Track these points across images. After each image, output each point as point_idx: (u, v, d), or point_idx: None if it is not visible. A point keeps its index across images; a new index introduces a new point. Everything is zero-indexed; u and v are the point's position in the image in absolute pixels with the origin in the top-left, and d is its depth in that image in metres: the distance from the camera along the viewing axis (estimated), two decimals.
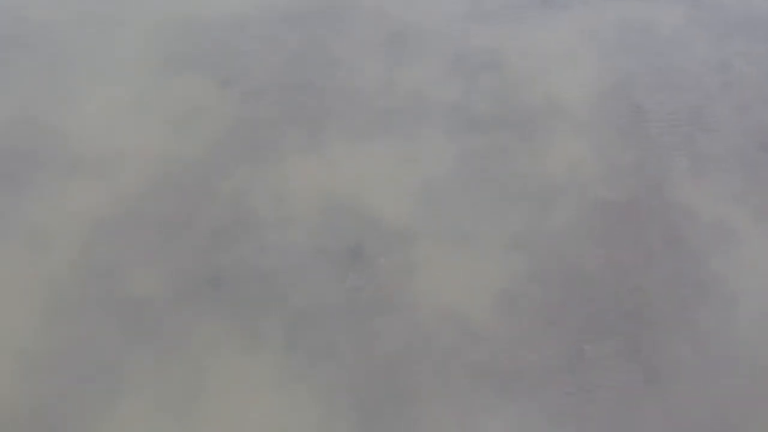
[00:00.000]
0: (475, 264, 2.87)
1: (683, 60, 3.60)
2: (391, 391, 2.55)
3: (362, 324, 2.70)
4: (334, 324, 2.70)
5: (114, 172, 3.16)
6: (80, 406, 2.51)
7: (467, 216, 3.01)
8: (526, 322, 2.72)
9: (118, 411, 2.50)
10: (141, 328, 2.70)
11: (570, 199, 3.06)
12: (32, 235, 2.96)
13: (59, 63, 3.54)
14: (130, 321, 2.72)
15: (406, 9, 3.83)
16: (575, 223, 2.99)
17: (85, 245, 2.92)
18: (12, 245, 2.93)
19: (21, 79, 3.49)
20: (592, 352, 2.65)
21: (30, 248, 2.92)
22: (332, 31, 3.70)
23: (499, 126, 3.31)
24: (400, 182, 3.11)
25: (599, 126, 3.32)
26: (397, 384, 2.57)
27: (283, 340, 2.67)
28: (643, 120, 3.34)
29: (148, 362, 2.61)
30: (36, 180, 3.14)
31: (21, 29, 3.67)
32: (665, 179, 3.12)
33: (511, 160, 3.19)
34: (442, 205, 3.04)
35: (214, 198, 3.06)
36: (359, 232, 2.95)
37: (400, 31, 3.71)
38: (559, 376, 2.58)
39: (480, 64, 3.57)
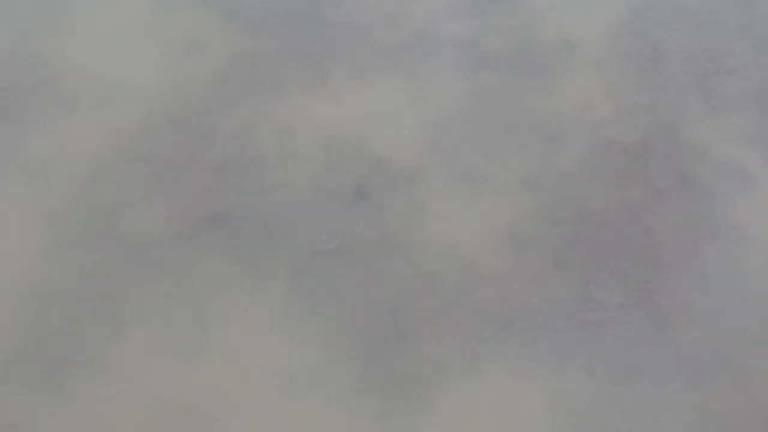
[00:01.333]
0: (482, 204, 2.82)
1: None
2: (395, 331, 2.53)
3: (366, 264, 2.67)
4: (337, 264, 2.67)
5: (114, 106, 3.10)
6: (82, 341, 2.51)
7: (476, 155, 2.95)
8: (533, 263, 2.68)
9: (120, 346, 2.50)
10: (143, 265, 2.67)
11: (581, 139, 2.99)
12: (32, 170, 2.92)
13: None
14: (133, 258, 2.69)
15: None
16: (586, 164, 2.92)
17: (86, 181, 2.89)
18: (12, 181, 2.89)
19: (19, 13, 3.41)
20: (600, 294, 2.61)
21: (30, 184, 2.88)
22: None
23: (510, 63, 3.22)
24: (407, 120, 3.05)
25: (613, 64, 3.23)
26: (400, 324, 2.54)
27: (287, 279, 2.64)
28: (659, 59, 3.25)
29: (151, 299, 2.59)
30: (36, 115, 3.08)
31: None
32: (679, 120, 3.04)
33: (522, 98, 3.12)
34: (450, 144, 2.97)
35: (217, 134, 3.01)
36: (366, 172, 2.90)
37: None
38: (565, 318, 2.55)
39: None
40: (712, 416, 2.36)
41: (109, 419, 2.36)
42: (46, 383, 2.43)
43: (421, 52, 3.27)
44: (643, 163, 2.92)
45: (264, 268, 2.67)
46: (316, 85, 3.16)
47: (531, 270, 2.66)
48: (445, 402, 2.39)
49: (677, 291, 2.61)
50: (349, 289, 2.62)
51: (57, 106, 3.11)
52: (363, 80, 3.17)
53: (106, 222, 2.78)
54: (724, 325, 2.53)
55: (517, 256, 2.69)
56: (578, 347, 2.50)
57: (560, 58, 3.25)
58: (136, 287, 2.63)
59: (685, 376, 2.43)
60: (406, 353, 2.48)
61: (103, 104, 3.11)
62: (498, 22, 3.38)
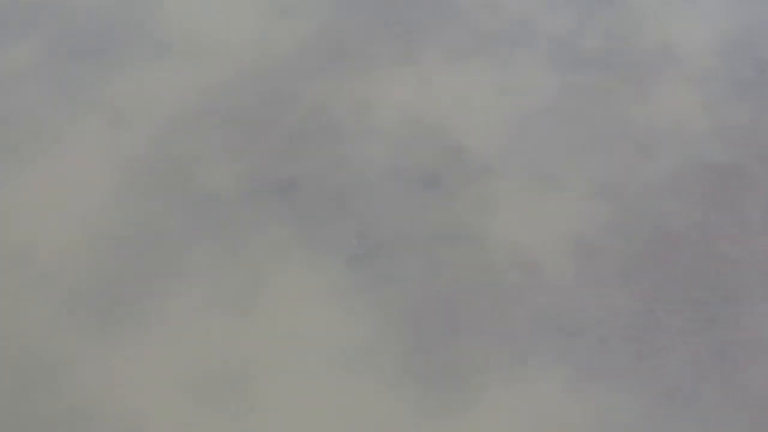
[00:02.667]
0: (556, 207, 2.73)
1: None
2: (447, 323, 2.48)
3: (428, 252, 2.62)
4: (401, 247, 2.63)
5: (202, 61, 3.13)
6: (139, 288, 2.55)
7: (557, 156, 2.86)
8: (599, 274, 2.59)
9: (173, 298, 2.52)
10: (207, 221, 2.70)
11: (669, 154, 2.87)
12: (115, 114, 2.97)
13: None
14: (198, 213, 2.71)
15: None
16: (671, 180, 2.80)
17: (164, 131, 2.92)
18: (94, 121, 2.95)
19: None
20: (664, 316, 2.50)
21: (111, 127, 2.94)
22: None
23: (606, 66, 3.11)
24: (491, 111, 2.97)
25: (714, 80, 3.08)
26: (453, 317, 2.49)
27: (347, 256, 2.62)
28: (763, 80, 3.08)
29: (211, 256, 2.61)
30: (126, 60, 3.14)
31: None
32: None
33: (613, 103, 3.00)
34: (531, 141, 2.89)
35: (298, 101, 3.00)
36: (440, 158, 2.85)
37: None
38: (624, 336, 2.46)
39: None
40: None
41: (152, 366, 2.39)
42: (99, 324, 2.48)
43: (515, 42, 3.18)
44: (732, 186, 2.78)
45: (324, 241, 2.65)
46: (402, 63, 3.11)
47: (595, 281, 2.57)
48: (486, 403, 2.34)
49: (746, 325, 2.48)
50: (406, 274, 2.58)
51: (147, 54, 3.15)
52: (451, 64, 3.11)
53: (178, 174, 2.81)
54: None
55: (582, 265, 2.60)
56: (634, 368, 2.40)
57: (659, 67, 3.12)
58: (197, 242, 2.65)
59: (746, 413, 2.31)
60: (454, 347, 2.43)
61: (191, 58, 3.14)
62: (599, 22, 3.26)
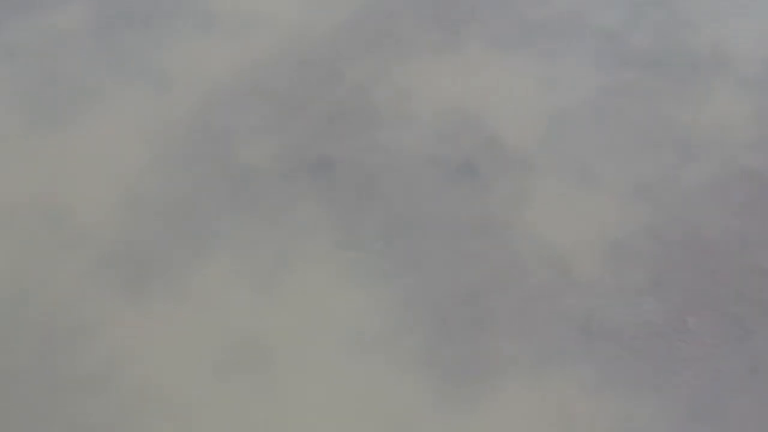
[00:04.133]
0: (591, 206, 2.68)
1: None
2: (472, 314, 2.45)
3: (459, 242, 2.60)
4: (430, 236, 2.61)
5: (247, 35, 3.12)
6: (169, 257, 2.56)
7: (595, 154, 2.80)
8: (630, 278, 2.53)
9: (202, 268, 2.53)
10: (241, 195, 2.70)
11: (712, 160, 2.80)
12: (157, 82, 2.98)
13: None
14: (233, 186, 2.71)
15: None
16: (711, 186, 2.73)
17: (205, 103, 2.93)
18: (136, 88, 2.96)
19: None
20: (695, 325, 2.45)
21: (153, 93, 2.94)
22: None
23: (653, 66, 3.04)
24: (532, 104, 2.92)
25: (765, 86, 2.99)
26: (478, 309, 2.46)
27: (376, 240, 2.60)
28: None
29: (242, 229, 2.62)
30: (172, 30, 3.14)
31: None
32: None
33: (658, 104, 2.93)
34: (571, 137, 2.84)
35: (338, 82, 2.98)
36: (477, 148, 2.81)
37: None
38: (652, 344, 2.41)
39: None
40: None
41: (177, 334, 2.40)
42: (128, 289, 2.49)
43: (561, 35, 3.12)
44: None
45: (355, 223, 2.64)
46: (446, 50, 3.07)
47: (626, 285, 2.52)
48: (505, 398, 2.31)
49: None
50: (435, 262, 2.56)
51: (193, 24, 3.15)
52: (495, 53, 3.06)
53: (215, 146, 2.82)
54: None
55: (614, 267, 2.55)
56: (659, 377, 2.35)
57: (709, 70, 3.04)
58: (229, 215, 2.65)
59: None
60: (478, 339, 2.41)
61: (237, 31, 3.13)
62: (650, 20, 3.18)
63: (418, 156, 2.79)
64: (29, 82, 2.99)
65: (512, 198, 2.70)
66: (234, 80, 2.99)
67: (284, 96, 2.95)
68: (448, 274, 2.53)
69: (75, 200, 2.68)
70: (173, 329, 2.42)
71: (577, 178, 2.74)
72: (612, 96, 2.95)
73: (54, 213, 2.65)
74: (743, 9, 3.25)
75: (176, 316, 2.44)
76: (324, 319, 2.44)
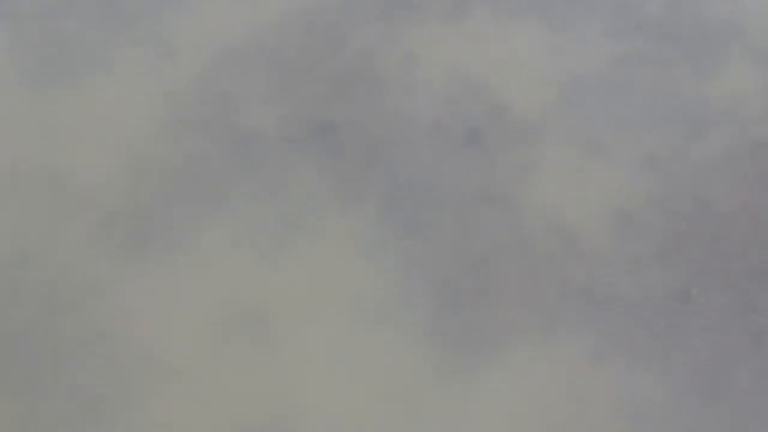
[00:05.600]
0: (598, 175, 2.66)
1: None
2: (477, 283, 2.44)
3: (465, 210, 2.58)
4: (435, 203, 2.59)
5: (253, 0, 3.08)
6: (173, 220, 2.55)
7: (604, 123, 2.77)
8: (636, 248, 2.51)
9: (205, 232, 2.52)
10: (246, 159, 2.68)
11: (723, 132, 2.76)
12: (163, 44, 2.95)
13: None
14: (237, 150, 2.69)
15: None
16: (721, 159, 2.70)
17: (211, 68, 2.90)
18: (143, 53, 2.93)
19: None
20: (700, 297, 2.43)
21: (158, 57, 2.91)
22: None
23: (666, 35, 2.99)
24: (541, 72, 2.89)
25: None
26: (483, 278, 2.45)
27: (380, 206, 2.58)
28: None
29: (245, 194, 2.60)
30: None
31: None
32: None
33: (670, 73, 2.89)
34: (580, 106, 2.80)
35: (344, 46, 2.94)
36: (484, 116, 2.78)
37: None
38: (656, 315, 2.39)
39: None
40: None
41: (179, 298, 2.40)
42: (131, 252, 2.48)
43: (573, 2, 3.07)
44: None
45: (359, 190, 2.62)
46: (454, 16, 3.03)
47: (632, 255, 2.50)
48: (509, 366, 2.30)
49: None
50: (440, 230, 2.54)
51: None
52: (504, 20, 3.01)
53: (221, 111, 2.79)
54: None
55: (620, 237, 2.53)
56: (662, 347, 2.34)
57: (723, 41, 2.99)
58: (234, 179, 2.63)
59: None
60: (483, 308, 2.40)
61: None
62: None
63: (424, 123, 2.76)
64: (33, 45, 2.96)
65: (519, 167, 2.67)
66: (239, 45, 2.96)
67: (290, 60, 2.91)
68: (453, 242, 2.51)
69: (78, 163, 2.67)
70: (175, 293, 2.41)
71: (585, 148, 2.72)
72: (623, 65, 2.91)
73: (57, 176, 2.64)
74: None
75: (178, 280, 2.43)
76: (328, 287, 2.43)
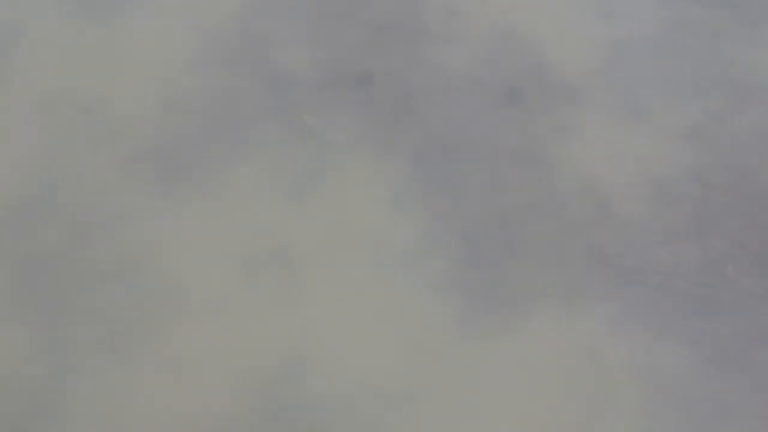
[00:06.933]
0: (638, 142, 2.58)
1: None
2: (503, 242, 2.39)
3: (497, 168, 2.52)
4: (468, 159, 2.53)
5: None
6: (202, 157, 2.52)
7: (649, 90, 2.68)
8: (672, 219, 2.44)
9: (235, 172, 2.50)
10: (278, 102, 2.64)
11: None
12: None
13: None
14: (272, 93, 2.66)
15: None
16: (764, 132, 2.61)
17: (249, 5, 2.85)
18: None
19: None
20: (735, 273, 2.36)
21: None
22: None
23: (717, 3, 2.88)
24: (588, 33, 2.80)
25: None
26: (511, 237, 2.40)
27: (413, 159, 2.53)
28: None
29: (275, 136, 2.57)
30: None
31: None
32: None
33: (721, 43, 2.79)
34: (626, 71, 2.72)
35: None
36: (526, 74, 2.70)
37: None
38: (687, 287, 2.33)
39: None
40: None
41: (205, 234, 2.39)
42: (158, 186, 2.47)
43: None
44: None
45: (392, 141, 2.57)
46: None
47: (666, 227, 2.43)
48: (528, 329, 2.26)
49: None
50: (470, 186, 2.49)
51: None
52: None
53: (257, 52, 2.75)
54: None
55: (656, 207, 2.46)
56: (688, 322, 2.28)
57: None
58: (265, 122, 2.60)
59: None
60: (506, 268, 2.35)
61: None
62: None
63: (463, 76, 2.70)
64: None
65: (558, 128, 2.60)
66: None
67: (330, 7, 2.85)
68: (483, 198, 2.46)
69: (113, 95, 2.65)
70: (203, 229, 2.40)
71: (625, 113, 2.64)
72: (672, 32, 2.81)
73: (92, 107, 2.62)
74: None
75: (207, 216, 2.42)
76: (354, 234, 2.40)
